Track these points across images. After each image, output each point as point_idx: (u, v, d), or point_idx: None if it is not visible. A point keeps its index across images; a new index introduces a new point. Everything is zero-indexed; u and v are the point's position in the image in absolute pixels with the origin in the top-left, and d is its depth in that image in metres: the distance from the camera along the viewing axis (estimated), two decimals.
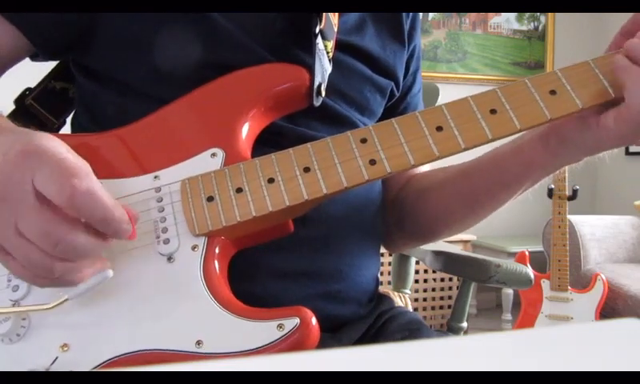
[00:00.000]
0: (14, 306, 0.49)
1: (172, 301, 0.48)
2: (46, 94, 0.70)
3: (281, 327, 0.45)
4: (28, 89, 0.70)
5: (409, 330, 0.68)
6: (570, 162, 0.58)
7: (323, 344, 0.56)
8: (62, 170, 0.42)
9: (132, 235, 0.46)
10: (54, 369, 0.46)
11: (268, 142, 0.58)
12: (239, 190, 0.51)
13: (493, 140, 0.51)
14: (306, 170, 0.51)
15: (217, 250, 0.51)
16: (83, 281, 0.45)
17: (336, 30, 0.63)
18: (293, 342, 0.45)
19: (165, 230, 0.51)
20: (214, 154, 0.54)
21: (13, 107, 0.69)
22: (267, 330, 0.45)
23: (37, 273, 0.44)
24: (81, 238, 0.43)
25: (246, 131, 0.56)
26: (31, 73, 0.71)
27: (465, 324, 1.01)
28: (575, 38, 3.16)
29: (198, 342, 0.46)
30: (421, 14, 0.76)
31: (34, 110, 0.69)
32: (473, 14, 3.22)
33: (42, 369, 0.46)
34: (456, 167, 0.71)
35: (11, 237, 0.43)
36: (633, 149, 3.12)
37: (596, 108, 0.51)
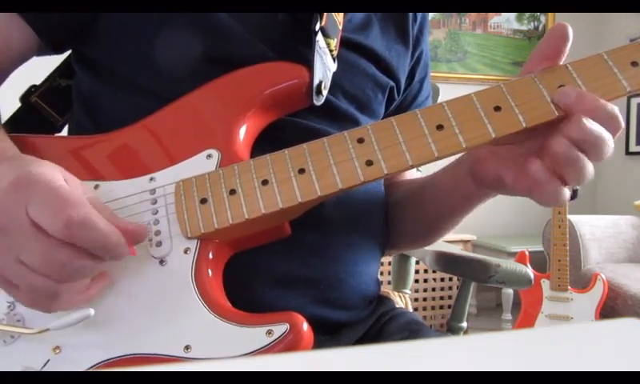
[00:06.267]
0: (9, 307, 0.49)
1: (162, 304, 0.47)
2: (51, 91, 0.70)
3: (270, 333, 0.45)
4: (33, 86, 0.70)
5: (409, 330, 0.67)
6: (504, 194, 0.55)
7: (321, 346, 0.56)
8: (55, 200, 0.42)
9: (132, 252, 0.47)
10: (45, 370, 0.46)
11: (267, 136, 0.57)
12: (232, 192, 0.50)
13: (496, 139, 0.48)
14: (301, 171, 0.49)
15: (210, 253, 0.50)
16: (87, 300, 0.46)
17: (340, 27, 0.62)
18: (282, 349, 0.44)
19: (158, 233, 0.50)
20: (209, 156, 0.53)
21: (18, 104, 0.69)
22: (256, 335, 0.45)
23: (42, 300, 0.44)
24: (81, 260, 0.43)
25: (244, 132, 0.55)
26: (36, 70, 0.72)
27: (465, 324, 1.01)
28: (575, 38, 3.15)
29: (187, 347, 0.45)
30: (430, 16, 0.76)
31: (39, 107, 0.69)
32: (473, 14, 3.22)
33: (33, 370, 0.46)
34: (413, 186, 0.73)
35: (15, 267, 0.43)
36: (633, 148, 3.12)
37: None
